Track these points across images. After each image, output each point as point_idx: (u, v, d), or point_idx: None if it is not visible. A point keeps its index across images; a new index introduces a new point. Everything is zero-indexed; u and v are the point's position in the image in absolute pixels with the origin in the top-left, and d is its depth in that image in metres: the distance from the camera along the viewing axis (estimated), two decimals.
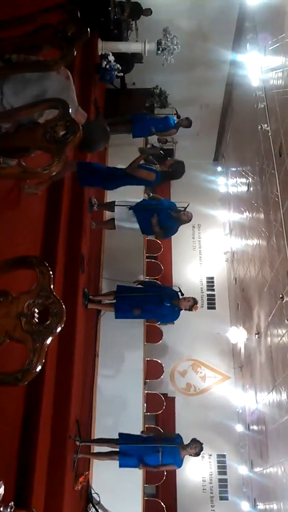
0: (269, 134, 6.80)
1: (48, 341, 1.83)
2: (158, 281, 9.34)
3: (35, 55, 2.47)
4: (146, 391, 8.38)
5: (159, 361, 9.41)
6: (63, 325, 1.88)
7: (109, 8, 8.03)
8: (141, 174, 6.74)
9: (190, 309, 6.86)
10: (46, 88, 2.65)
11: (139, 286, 7.41)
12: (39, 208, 5.43)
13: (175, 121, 8.24)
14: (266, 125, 6.92)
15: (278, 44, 6.37)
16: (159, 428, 9.01)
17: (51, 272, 1.90)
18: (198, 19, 9.45)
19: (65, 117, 2.20)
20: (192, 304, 6.85)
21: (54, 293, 1.90)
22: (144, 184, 7.81)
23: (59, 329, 1.86)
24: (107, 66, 8.05)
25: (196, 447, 6.17)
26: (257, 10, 7.66)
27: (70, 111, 2.24)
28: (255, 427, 8.33)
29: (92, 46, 8.18)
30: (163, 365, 9.48)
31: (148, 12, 9.03)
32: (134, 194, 8.07)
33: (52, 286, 1.90)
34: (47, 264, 1.91)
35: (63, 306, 1.89)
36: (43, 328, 1.85)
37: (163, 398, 9.22)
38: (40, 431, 4.62)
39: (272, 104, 6.76)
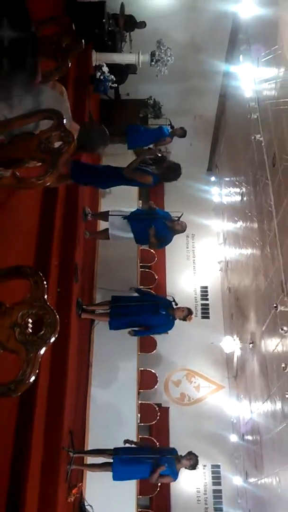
0: (263, 144, 6.85)
1: (42, 351, 1.83)
2: (152, 291, 9.36)
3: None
4: (140, 401, 8.34)
5: (153, 371, 9.38)
6: (56, 335, 1.87)
7: (103, 20, 8.11)
8: (139, 178, 6.73)
9: (184, 319, 6.84)
10: (40, 103, 2.66)
11: (135, 293, 7.40)
12: (33, 217, 5.43)
13: (169, 131, 8.29)
14: (259, 136, 6.98)
15: (271, 56, 6.45)
16: (153, 438, 8.96)
17: (45, 282, 1.90)
18: (191, 31, 9.54)
19: (60, 127, 2.21)
20: (187, 314, 6.83)
21: (48, 303, 1.90)
22: (139, 186, 7.77)
23: (53, 339, 1.86)
24: (101, 77, 8.10)
25: (191, 459, 6.12)
26: (250, 22, 7.76)
27: (64, 121, 2.25)
28: (249, 437, 8.30)
29: (86, 57, 8.24)
30: (157, 375, 9.44)
31: (142, 25, 9.11)
32: (128, 203, 8.09)
33: (45, 296, 1.89)
34: (41, 274, 1.91)
35: (57, 316, 1.89)
36: (37, 339, 1.84)
37: (157, 408, 9.18)
38: (33, 442, 4.58)
39: (265, 115, 6.83)
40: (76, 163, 6.37)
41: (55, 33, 2.52)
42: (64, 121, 2.26)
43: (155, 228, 7.00)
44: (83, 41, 2.63)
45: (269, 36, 6.53)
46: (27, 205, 5.22)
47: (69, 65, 2.52)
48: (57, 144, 2.17)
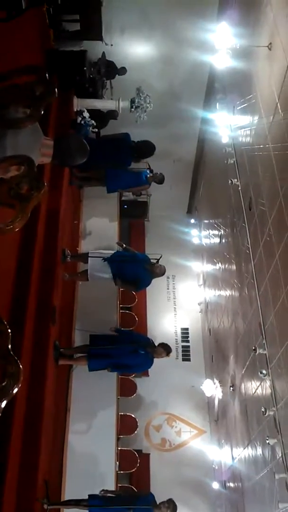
0: (239, 188, 7.00)
1: (3, 403, 1.76)
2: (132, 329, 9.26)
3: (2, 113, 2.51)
4: (119, 448, 8.10)
5: (133, 416, 9.16)
6: (19, 386, 1.82)
7: (85, 68, 8.35)
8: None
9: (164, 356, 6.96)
10: (18, 142, 2.67)
11: (114, 333, 7.36)
12: (11, 257, 5.41)
13: (148, 176, 8.45)
14: (236, 180, 7.14)
15: (245, 104, 6.68)
16: (132, 487, 8.66)
17: (9, 331, 1.86)
18: (170, 79, 9.89)
19: (30, 174, 2.23)
20: (166, 355, 6.88)
21: (12, 353, 1.85)
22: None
23: (15, 390, 1.80)
24: (82, 122, 8.27)
25: (169, 507, 5.93)
26: (225, 73, 8.07)
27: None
28: (231, 485, 8.07)
29: (68, 103, 8.45)
30: (137, 419, 9.22)
31: (123, 71, 9.40)
32: (108, 245, 8.12)
33: (9, 346, 1.85)
34: (5, 323, 1.87)
35: (20, 367, 1.84)
36: None
37: (137, 455, 8.91)
38: (5, 494, 4.40)
39: (241, 160, 7.00)
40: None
41: (27, 81, 2.57)
42: (35, 159, 2.26)
43: (132, 270, 7.09)
44: (56, 90, 2.68)
45: (243, 86, 6.78)
46: (4, 245, 5.20)
47: (42, 113, 2.55)
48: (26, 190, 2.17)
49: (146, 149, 8.52)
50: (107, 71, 9.29)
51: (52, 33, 8.52)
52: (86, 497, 6.09)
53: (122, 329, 8.12)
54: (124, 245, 7.73)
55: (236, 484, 7.66)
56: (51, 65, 8.02)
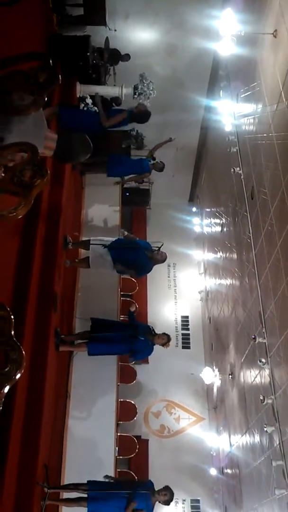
0: (242, 177, 6.98)
1: (6, 389, 1.78)
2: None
3: (5, 100, 2.50)
4: (118, 434, 8.18)
5: (133, 402, 9.24)
6: (22, 372, 1.84)
7: (88, 54, 8.27)
8: (116, 120, 7.48)
9: (163, 345, 6.92)
10: (22, 131, 2.66)
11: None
12: (12, 245, 5.41)
13: (149, 164, 8.41)
14: (238, 169, 7.12)
15: (249, 92, 6.64)
16: (131, 472, 8.76)
17: (12, 317, 1.87)
18: (174, 66, 9.80)
19: (34, 161, 2.23)
20: (166, 341, 6.91)
21: (14, 339, 1.87)
22: (121, 126, 8.12)
23: (18, 376, 1.82)
24: (85, 108, 8.22)
25: (166, 494, 5.99)
26: (229, 60, 8.00)
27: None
28: (228, 471, 8.17)
29: (71, 89, 8.38)
30: (136, 406, 9.31)
31: (127, 57, 9.30)
32: (109, 233, 8.12)
33: (12, 332, 1.87)
34: (8, 309, 1.88)
35: (23, 352, 1.85)
36: (1, 376, 1.80)
37: (136, 441, 9.01)
38: (6, 477, 4.46)
39: (244, 149, 6.98)
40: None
41: (31, 67, 2.55)
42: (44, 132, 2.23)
43: (134, 257, 7.09)
44: (59, 77, 2.67)
45: (247, 73, 6.73)
46: (7, 232, 5.20)
47: (45, 100, 2.54)
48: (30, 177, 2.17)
49: (142, 115, 8.37)
50: (110, 57, 9.21)
51: (55, 18, 8.43)
52: (85, 481, 6.15)
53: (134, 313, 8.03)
54: (126, 233, 7.73)
55: (233, 471, 7.75)
56: (54, 50, 7.94)
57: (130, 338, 6.99)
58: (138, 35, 9.65)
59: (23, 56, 2.64)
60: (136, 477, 8.41)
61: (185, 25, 9.19)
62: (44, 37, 7.97)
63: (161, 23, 9.39)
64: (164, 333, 7.02)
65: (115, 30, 9.10)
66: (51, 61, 2.72)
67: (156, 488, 6.12)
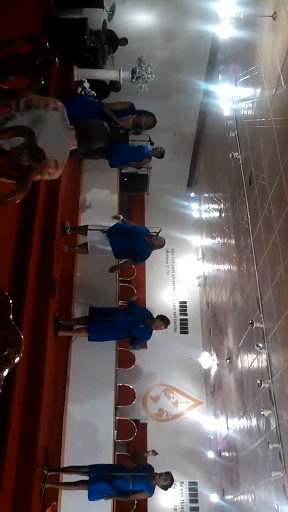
0: (240, 162, 6.95)
1: (5, 372, 1.80)
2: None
3: (1, 83, 2.48)
4: (117, 417, 8.26)
5: (131, 387, 9.32)
6: (21, 356, 1.85)
7: (85, 37, 8.17)
8: (116, 106, 7.50)
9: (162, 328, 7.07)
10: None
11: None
12: (10, 230, 5.40)
13: (148, 151, 8.38)
14: (237, 154, 7.08)
15: (248, 76, 6.57)
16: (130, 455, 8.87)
17: (11, 301, 1.88)
18: (172, 50, 9.68)
19: (31, 145, 2.22)
20: (164, 327, 6.96)
21: (13, 323, 1.88)
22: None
23: (17, 359, 1.83)
24: (82, 92, 8.15)
25: (167, 479, 6.09)
26: (228, 43, 7.90)
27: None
28: (226, 454, 8.28)
29: (68, 72, 8.29)
30: (135, 390, 9.40)
31: (124, 42, 9.20)
32: (107, 218, 8.11)
33: (11, 316, 1.87)
34: (7, 293, 1.89)
35: (22, 336, 1.87)
36: (0, 359, 1.81)
37: (134, 425, 9.11)
38: (6, 459, 4.51)
39: (242, 134, 6.93)
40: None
41: (28, 51, 2.52)
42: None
43: (132, 242, 7.10)
44: (56, 59, 2.64)
45: (246, 57, 6.66)
46: (4, 217, 5.19)
47: (42, 83, 2.52)
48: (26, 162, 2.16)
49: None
50: (108, 40, 9.09)
51: (52, 0, 8.31)
52: (87, 464, 6.23)
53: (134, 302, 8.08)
54: (122, 217, 7.71)
55: (230, 454, 7.85)
56: (51, 33, 7.84)
57: (130, 327, 7.04)
58: (136, 18, 9.50)
59: (20, 39, 2.61)
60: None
61: (183, 7, 9.05)
62: (41, 20, 7.87)
63: (159, 5, 9.24)
64: (159, 317, 7.07)
65: (112, 12, 8.93)
66: (47, 44, 2.69)
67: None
